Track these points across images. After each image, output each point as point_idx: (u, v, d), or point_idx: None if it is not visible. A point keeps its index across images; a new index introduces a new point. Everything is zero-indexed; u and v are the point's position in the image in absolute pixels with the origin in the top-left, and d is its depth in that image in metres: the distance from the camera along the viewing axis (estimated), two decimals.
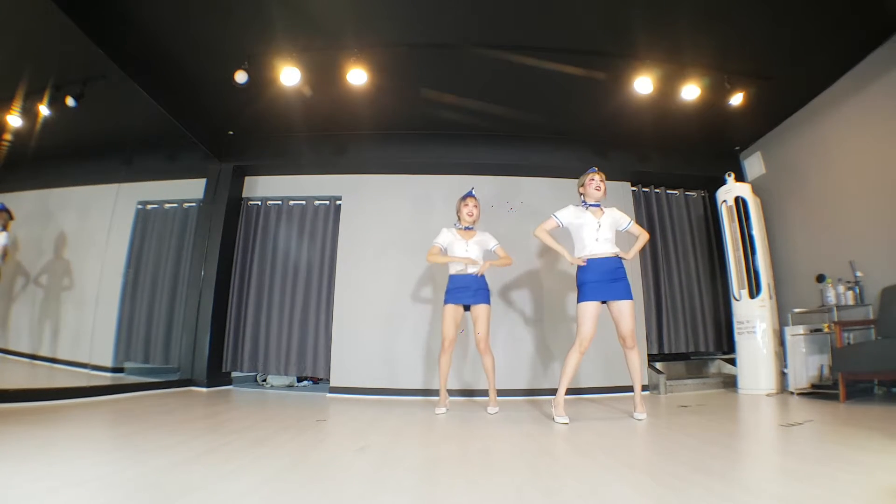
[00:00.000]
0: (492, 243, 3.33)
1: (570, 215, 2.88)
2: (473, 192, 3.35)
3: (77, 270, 3.93)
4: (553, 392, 3.99)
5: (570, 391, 4.01)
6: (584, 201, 2.92)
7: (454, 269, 3.20)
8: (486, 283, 3.21)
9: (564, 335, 4.21)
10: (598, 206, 2.89)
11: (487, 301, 3.17)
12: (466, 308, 3.19)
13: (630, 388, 4.08)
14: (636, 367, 2.77)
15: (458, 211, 3.30)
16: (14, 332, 3.57)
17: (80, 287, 3.92)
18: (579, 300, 2.78)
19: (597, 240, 2.79)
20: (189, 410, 2.94)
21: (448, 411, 3.11)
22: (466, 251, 3.19)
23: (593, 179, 2.87)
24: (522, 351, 4.21)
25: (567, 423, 2.55)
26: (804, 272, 4.04)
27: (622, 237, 3.02)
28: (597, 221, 2.82)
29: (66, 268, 3.90)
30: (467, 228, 3.28)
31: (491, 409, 3.09)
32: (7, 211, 3.31)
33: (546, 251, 4.36)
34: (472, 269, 3.16)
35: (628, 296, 2.75)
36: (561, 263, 4.35)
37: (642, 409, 2.72)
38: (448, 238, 3.25)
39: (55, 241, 3.85)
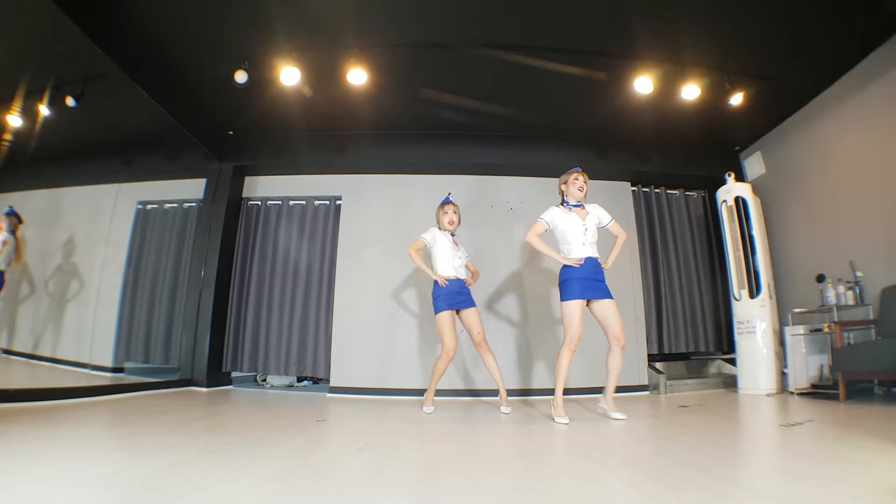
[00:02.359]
0: (464, 255, 3.31)
1: (555, 217, 2.84)
2: (451, 199, 3.28)
3: (77, 270, 3.93)
4: (547, 392, 4.02)
5: (568, 391, 4.04)
6: (566, 201, 2.87)
7: (445, 273, 3.12)
8: (468, 288, 3.23)
9: (552, 334, 4.22)
10: (580, 206, 2.86)
11: (475, 303, 3.20)
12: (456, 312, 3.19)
13: (630, 388, 4.11)
14: (620, 367, 2.74)
15: (438, 220, 3.22)
16: (15, 332, 3.57)
17: (79, 287, 3.93)
18: (565, 298, 2.73)
19: (583, 244, 2.77)
20: (189, 410, 2.94)
21: (435, 410, 3.14)
22: (458, 258, 3.20)
23: (577, 179, 2.83)
24: (514, 351, 4.21)
25: (567, 423, 2.55)
26: (804, 272, 4.04)
27: (604, 236, 2.98)
28: (582, 224, 2.79)
29: (67, 268, 3.90)
30: (451, 235, 3.23)
31: (504, 409, 3.05)
32: (16, 215, 3.33)
33: (533, 252, 4.38)
34: (463, 276, 3.18)
35: (611, 295, 2.75)
36: (545, 262, 4.35)
37: (615, 406, 2.73)
38: (440, 238, 3.18)
39: (55, 241, 3.86)
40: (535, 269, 4.41)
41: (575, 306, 2.69)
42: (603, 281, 2.77)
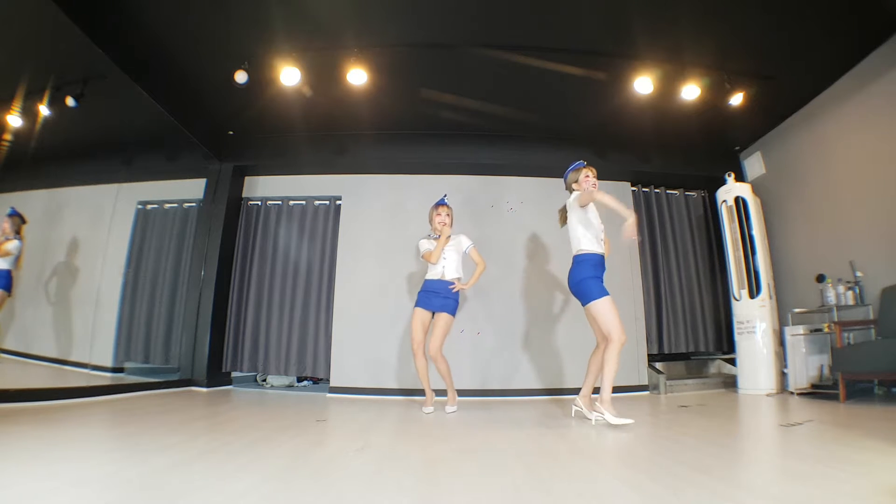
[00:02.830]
0: (465, 244, 3.30)
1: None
2: (446, 200, 3.31)
3: (77, 270, 3.93)
4: (546, 392, 4.03)
5: (568, 391, 4.04)
6: None
7: (430, 275, 3.21)
8: (456, 294, 3.19)
9: (552, 334, 4.24)
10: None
11: (452, 312, 3.16)
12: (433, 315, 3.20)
13: (629, 388, 4.11)
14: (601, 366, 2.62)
15: (431, 220, 3.27)
16: (15, 332, 3.57)
17: (80, 287, 3.93)
18: (599, 295, 2.54)
19: (600, 239, 2.72)
20: (189, 410, 2.94)
21: (435, 410, 3.12)
22: (444, 258, 3.20)
23: (588, 176, 2.76)
24: (512, 350, 4.21)
25: (632, 422, 2.42)
26: (804, 272, 4.04)
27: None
28: (599, 219, 2.77)
29: (67, 268, 3.90)
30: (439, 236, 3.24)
31: (449, 409, 3.14)
32: (19, 215, 3.33)
33: (536, 253, 4.38)
34: (449, 277, 3.18)
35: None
36: (546, 263, 4.35)
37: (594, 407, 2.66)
38: (426, 245, 3.25)
39: (55, 241, 3.86)
40: (535, 270, 4.40)
41: (611, 302, 2.55)
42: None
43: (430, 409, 3.10)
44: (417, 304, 3.18)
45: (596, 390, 2.69)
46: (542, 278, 4.38)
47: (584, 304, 2.66)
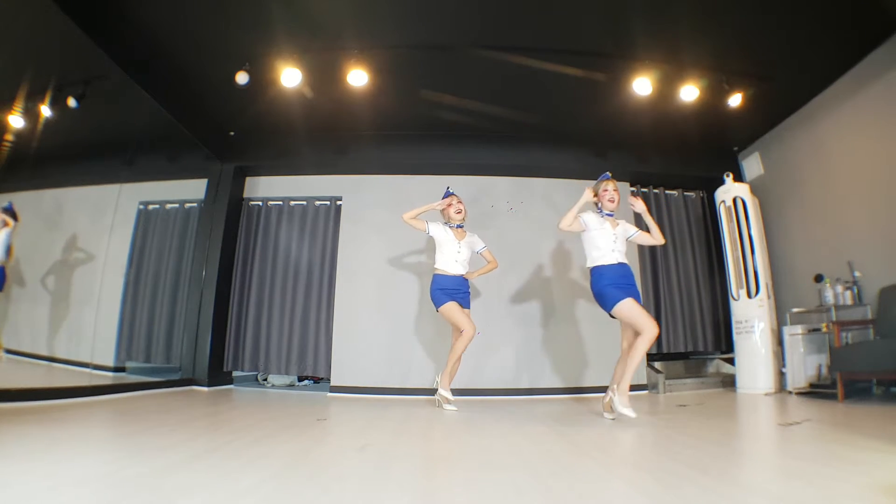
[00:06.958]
0: (479, 245, 3.34)
1: (591, 221, 2.84)
2: (452, 191, 3.31)
3: (78, 270, 3.94)
4: (546, 392, 4.04)
5: (570, 391, 4.05)
6: (599, 209, 2.89)
7: (451, 270, 3.17)
8: (469, 287, 3.27)
9: (550, 335, 4.26)
10: (611, 215, 2.88)
11: (470, 306, 3.26)
12: None
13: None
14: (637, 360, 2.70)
15: (444, 211, 3.28)
16: (15, 331, 3.58)
17: (81, 287, 3.93)
18: (614, 302, 2.65)
19: (613, 250, 2.78)
20: (190, 410, 2.95)
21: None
22: (459, 251, 3.20)
23: (607, 190, 2.84)
24: (513, 350, 4.23)
25: (635, 416, 2.48)
26: (802, 272, 4.05)
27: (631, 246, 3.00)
28: (613, 233, 2.81)
29: (68, 268, 3.90)
30: (458, 227, 3.27)
31: (449, 407, 3.14)
32: (13, 213, 3.32)
33: (536, 253, 4.40)
34: (460, 271, 3.19)
35: (640, 298, 2.77)
36: (552, 263, 4.36)
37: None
38: (440, 232, 3.21)
39: (56, 241, 3.86)
40: (536, 269, 4.41)
41: (630, 304, 2.63)
42: (634, 285, 2.76)
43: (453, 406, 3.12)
44: (451, 300, 3.10)
45: (643, 387, 2.75)
46: (542, 278, 4.39)
47: (608, 312, 2.74)
